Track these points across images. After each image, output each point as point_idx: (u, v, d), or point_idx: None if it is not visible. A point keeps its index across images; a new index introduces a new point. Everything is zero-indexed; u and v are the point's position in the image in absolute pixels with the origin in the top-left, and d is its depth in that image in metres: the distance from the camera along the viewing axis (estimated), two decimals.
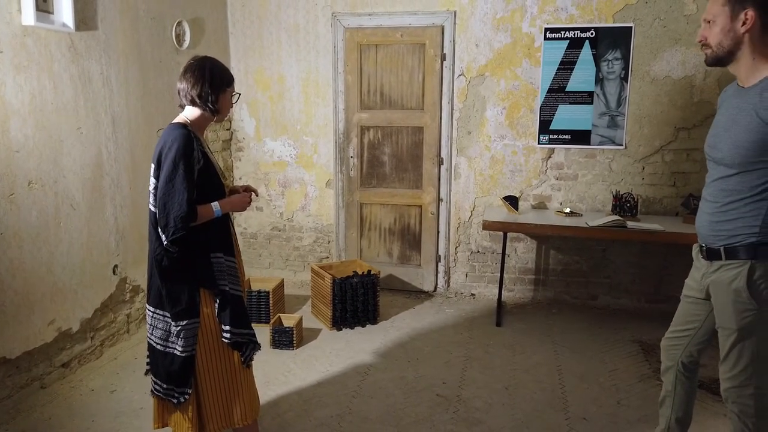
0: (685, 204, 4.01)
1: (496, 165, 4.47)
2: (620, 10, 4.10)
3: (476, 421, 2.87)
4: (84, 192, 3.32)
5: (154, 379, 2.28)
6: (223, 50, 4.71)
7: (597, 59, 4.19)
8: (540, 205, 4.44)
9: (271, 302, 4.00)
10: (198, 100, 2.19)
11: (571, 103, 4.27)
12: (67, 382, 3.20)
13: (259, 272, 5.04)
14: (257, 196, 2.54)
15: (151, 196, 2.16)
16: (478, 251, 4.62)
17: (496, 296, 4.35)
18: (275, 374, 3.33)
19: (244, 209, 2.35)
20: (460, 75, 4.41)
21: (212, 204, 2.18)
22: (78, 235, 3.28)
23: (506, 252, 4.32)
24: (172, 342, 2.20)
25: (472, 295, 4.68)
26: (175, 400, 2.22)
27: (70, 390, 3.13)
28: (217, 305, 2.22)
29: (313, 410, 2.96)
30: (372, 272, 4.13)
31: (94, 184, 3.39)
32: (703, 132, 4.08)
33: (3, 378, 2.85)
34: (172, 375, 2.20)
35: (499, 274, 4.31)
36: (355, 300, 4.01)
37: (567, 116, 4.29)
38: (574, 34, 4.19)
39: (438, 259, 4.70)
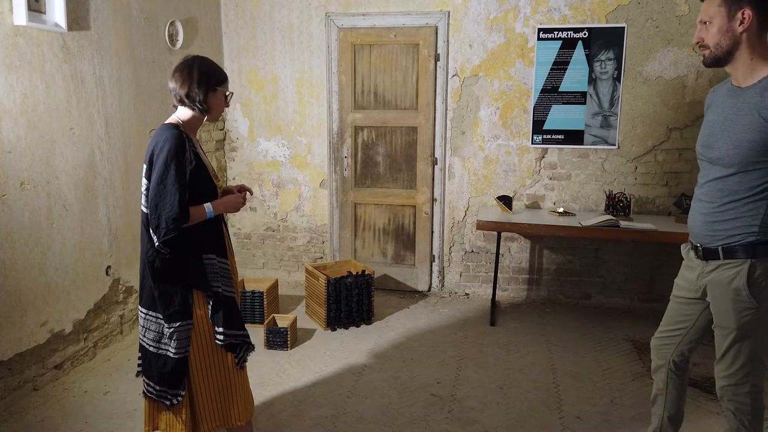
0: (678, 203, 4.04)
1: (489, 165, 4.48)
2: (613, 11, 4.12)
3: (471, 421, 2.88)
4: (77, 193, 3.30)
5: (146, 380, 2.27)
6: (216, 50, 4.70)
7: (590, 59, 4.20)
8: (533, 205, 4.46)
9: (265, 302, 4.00)
10: (186, 100, 2.18)
11: (564, 104, 4.29)
12: (60, 384, 3.18)
13: (253, 272, 5.03)
14: (251, 195, 2.53)
15: (143, 197, 2.16)
16: (472, 251, 4.63)
17: (490, 296, 4.36)
18: (269, 375, 3.33)
19: (237, 210, 2.34)
20: (453, 75, 4.42)
21: (205, 205, 2.17)
22: (71, 235, 3.27)
23: (500, 252, 4.34)
24: (165, 344, 2.19)
25: (467, 294, 4.69)
26: (168, 402, 2.21)
27: (63, 392, 3.11)
28: (210, 307, 2.22)
29: (308, 410, 2.95)
30: (366, 272, 4.13)
31: (86, 185, 3.37)
32: (696, 132, 4.10)
33: None
34: (165, 377, 2.19)
35: (493, 274, 4.32)
36: (350, 300, 4.01)
37: (560, 116, 4.31)
38: (567, 35, 4.21)
39: (432, 259, 4.70)
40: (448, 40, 4.38)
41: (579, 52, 4.21)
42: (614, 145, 4.26)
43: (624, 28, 4.12)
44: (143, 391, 2.29)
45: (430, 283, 4.75)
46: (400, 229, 4.74)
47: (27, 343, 3.01)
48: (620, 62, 4.16)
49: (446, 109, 4.47)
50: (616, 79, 4.19)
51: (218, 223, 2.27)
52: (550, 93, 4.30)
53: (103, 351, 3.57)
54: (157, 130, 2.16)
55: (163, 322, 2.17)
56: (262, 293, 3.99)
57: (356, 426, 2.83)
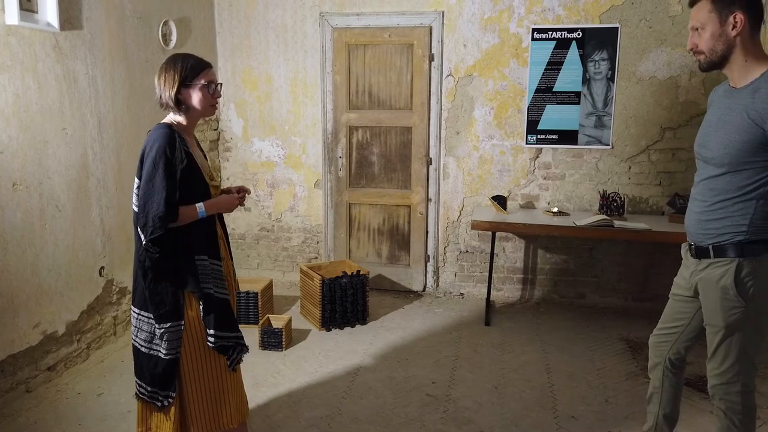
0: (671, 203, 4.05)
1: (484, 165, 4.48)
2: (606, 11, 4.13)
3: (466, 421, 2.88)
4: (69, 193, 3.28)
5: (138, 381, 2.25)
6: (210, 50, 4.68)
7: (584, 60, 4.22)
8: (528, 205, 4.46)
9: (259, 303, 3.99)
10: (163, 106, 2.18)
11: (558, 104, 4.30)
12: (53, 386, 3.16)
13: (248, 273, 5.01)
14: (249, 194, 2.51)
15: (134, 196, 2.15)
16: (467, 251, 4.63)
17: (485, 296, 4.37)
18: (264, 375, 3.32)
19: (231, 210, 2.32)
20: (448, 75, 4.42)
21: (197, 205, 2.15)
22: (63, 236, 3.25)
23: (495, 251, 4.34)
24: (156, 344, 2.17)
25: (461, 294, 4.69)
26: (159, 404, 2.19)
27: (57, 393, 3.09)
28: (201, 309, 2.20)
29: (303, 411, 2.95)
30: (361, 272, 4.13)
31: (79, 186, 3.35)
32: (689, 132, 4.13)
33: None
34: (156, 378, 2.18)
35: (487, 274, 4.33)
36: (345, 300, 4.00)
37: (554, 116, 4.31)
38: (561, 35, 4.22)
39: (427, 259, 4.71)
40: (442, 40, 4.38)
41: (573, 53, 4.22)
42: (608, 145, 4.28)
43: (617, 28, 4.13)
44: (135, 393, 2.28)
45: (425, 283, 4.75)
46: (394, 229, 4.74)
47: (19, 344, 2.99)
48: (614, 62, 4.18)
49: (441, 109, 4.47)
50: (610, 79, 4.20)
51: (211, 224, 2.26)
52: (545, 93, 4.31)
53: (97, 352, 3.55)
54: (151, 130, 2.15)
55: (154, 322, 2.16)
56: (256, 294, 3.98)
57: (351, 426, 2.82)
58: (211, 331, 2.20)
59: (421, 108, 4.49)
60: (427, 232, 4.67)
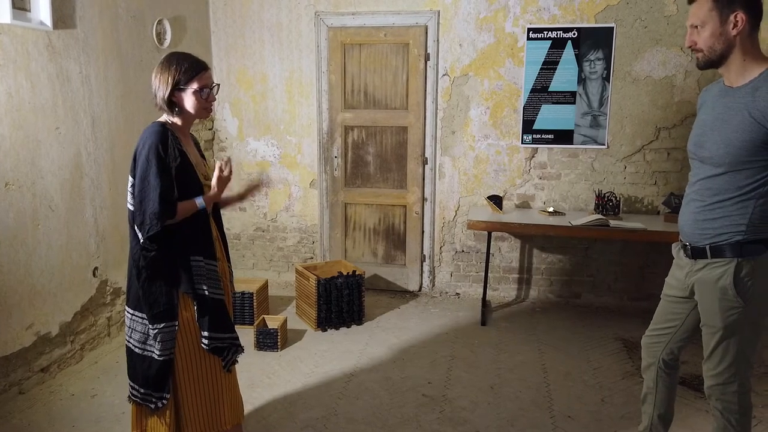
0: (666, 203, 4.06)
1: (480, 164, 4.48)
2: (602, 11, 4.14)
3: (462, 421, 2.88)
4: (63, 193, 3.26)
5: (131, 383, 2.23)
6: (204, 49, 4.66)
7: (579, 59, 4.22)
8: (524, 205, 4.46)
9: (255, 303, 3.97)
10: (159, 107, 2.17)
11: (554, 103, 4.30)
12: (46, 387, 3.14)
13: (243, 273, 4.99)
14: (228, 162, 2.36)
15: (129, 194, 2.13)
16: (463, 251, 4.63)
17: (481, 295, 4.36)
18: (259, 376, 3.30)
19: (224, 186, 2.24)
20: (444, 75, 4.42)
21: (195, 198, 2.15)
22: (57, 236, 3.22)
23: (490, 251, 4.34)
24: (150, 345, 2.15)
25: (457, 294, 4.69)
26: (152, 405, 2.17)
27: (50, 395, 3.07)
28: (195, 310, 2.18)
29: (299, 412, 2.94)
30: (357, 272, 4.12)
31: (73, 185, 3.33)
32: (684, 131, 4.14)
33: None
34: (150, 379, 2.16)
35: (483, 274, 4.33)
36: (340, 300, 3.99)
37: (550, 116, 4.31)
38: (556, 35, 4.22)
39: (423, 259, 4.70)
40: (438, 40, 4.37)
41: (568, 52, 4.22)
42: (603, 144, 4.28)
43: (613, 28, 4.13)
44: (128, 395, 2.25)
45: (421, 283, 4.74)
46: (390, 229, 4.73)
47: (12, 346, 2.97)
48: (609, 62, 4.18)
49: (436, 109, 4.46)
50: (606, 78, 4.20)
51: (206, 225, 2.24)
52: (540, 93, 4.31)
53: (91, 353, 3.53)
54: (145, 128, 2.14)
55: (148, 322, 2.14)
56: (251, 294, 3.97)
57: (347, 427, 2.81)
58: (205, 333, 2.18)
59: (417, 108, 4.48)
60: (422, 231, 4.66)
